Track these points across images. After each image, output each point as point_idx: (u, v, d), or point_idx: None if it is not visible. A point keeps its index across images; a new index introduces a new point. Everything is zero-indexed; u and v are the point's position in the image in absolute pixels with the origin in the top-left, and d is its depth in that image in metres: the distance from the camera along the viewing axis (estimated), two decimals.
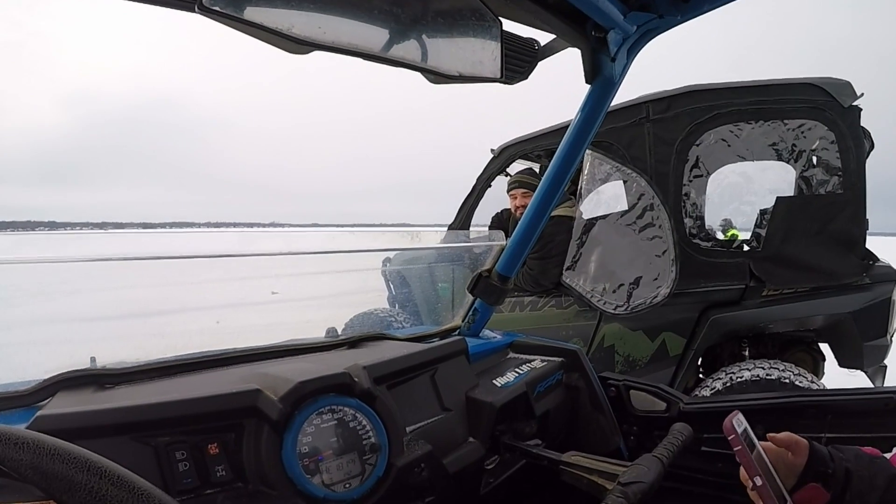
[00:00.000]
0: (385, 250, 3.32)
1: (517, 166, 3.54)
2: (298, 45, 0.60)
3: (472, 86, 0.90)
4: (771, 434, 0.85)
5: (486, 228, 3.55)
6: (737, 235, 3.87)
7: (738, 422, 0.81)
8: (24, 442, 0.44)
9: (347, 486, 0.79)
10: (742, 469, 0.81)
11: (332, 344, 1.20)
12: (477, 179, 3.32)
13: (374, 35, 0.71)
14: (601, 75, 1.11)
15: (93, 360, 0.96)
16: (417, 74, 0.82)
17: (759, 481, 0.77)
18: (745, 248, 2.90)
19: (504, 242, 1.42)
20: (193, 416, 0.73)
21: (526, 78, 1.08)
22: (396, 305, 3.83)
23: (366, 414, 0.84)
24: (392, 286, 3.91)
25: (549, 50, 1.09)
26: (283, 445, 0.76)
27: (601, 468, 0.91)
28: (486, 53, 0.84)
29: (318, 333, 1.32)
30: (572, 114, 1.22)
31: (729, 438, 0.80)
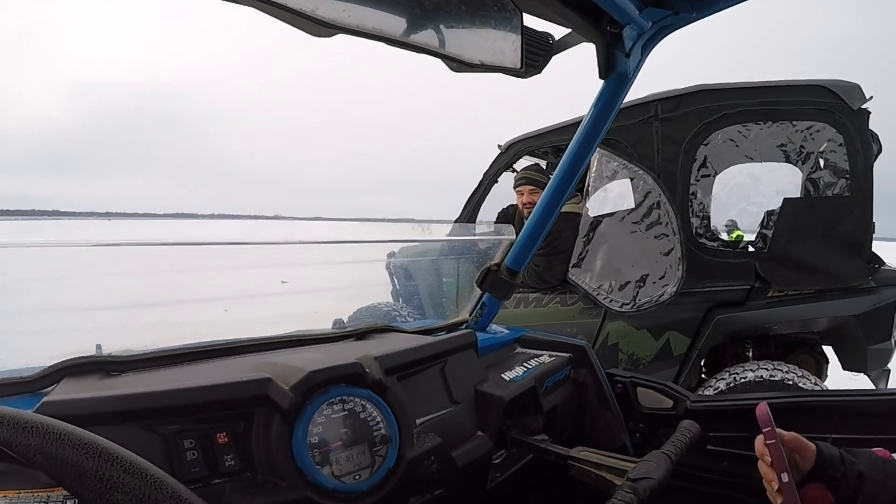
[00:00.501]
0: (393, 241, 3.30)
1: (524, 163, 3.53)
2: (322, 27, 0.60)
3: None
4: (779, 430, 0.84)
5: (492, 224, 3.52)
6: (741, 237, 3.86)
7: (769, 413, 0.80)
8: (33, 426, 0.42)
9: (357, 477, 0.78)
10: (762, 465, 0.79)
11: (340, 335, 1.19)
12: (483, 175, 3.30)
13: (397, 20, 0.70)
14: (615, 71, 1.11)
15: (98, 347, 0.95)
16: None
17: (785, 478, 0.76)
18: (751, 248, 2.89)
19: (513, 236, 1.42)
20: (202, 404, 0.72)
21: (539, 72, 1.07)
22: (400, 300, 3.81)
23: (377, 405, 0.83)
24: (396, 280, 3.89)
25: (563, 44, 1.08)
26: (293, 435, 0.74)
27: (610, 464, 0.91)
28: (507, 44, 0.84)
29: (324, 324, 1.31)
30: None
31: (764, 431, 0.78)
